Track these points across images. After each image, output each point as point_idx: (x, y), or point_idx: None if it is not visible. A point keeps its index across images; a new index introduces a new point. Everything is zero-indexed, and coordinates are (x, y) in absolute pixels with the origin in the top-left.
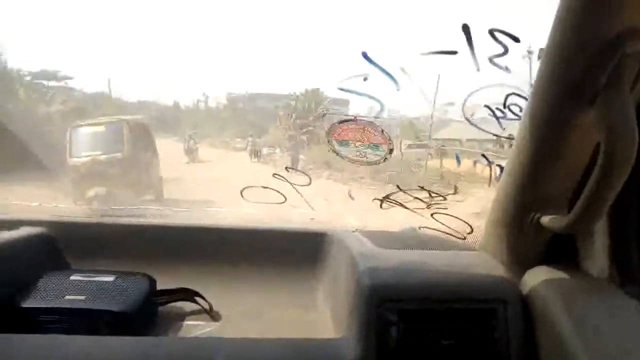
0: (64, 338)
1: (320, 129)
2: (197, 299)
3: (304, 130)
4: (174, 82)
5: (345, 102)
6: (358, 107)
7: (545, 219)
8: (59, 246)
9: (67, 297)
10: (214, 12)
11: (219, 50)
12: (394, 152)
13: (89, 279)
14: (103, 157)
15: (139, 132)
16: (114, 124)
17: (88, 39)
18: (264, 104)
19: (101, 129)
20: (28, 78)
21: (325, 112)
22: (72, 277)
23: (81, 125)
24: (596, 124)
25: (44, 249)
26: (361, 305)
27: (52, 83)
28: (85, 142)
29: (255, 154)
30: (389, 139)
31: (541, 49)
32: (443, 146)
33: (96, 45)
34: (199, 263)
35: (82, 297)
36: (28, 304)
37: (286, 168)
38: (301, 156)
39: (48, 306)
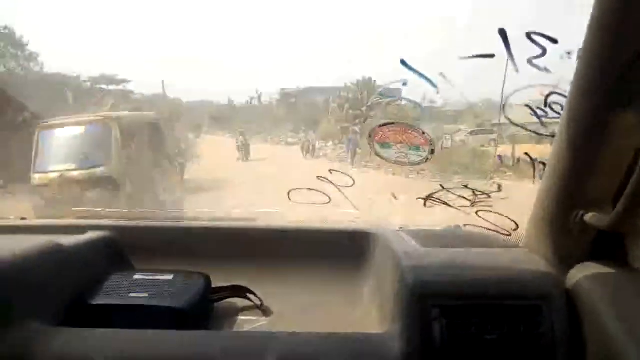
0: (129, 332)
1: (375, 119)
2: (250, 295)
3: (357, 121)
4: (228, 81)
5: (398, 91)
6: (410, 95)
7: (590, 217)
8: (122, 248)
9: (132, 294)
10: (263, 10)
11: (271, 47)
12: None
13: (151, 277)
14: (77, 172)
15: (143, 135)
16: (99, 123)
17: (143, 43)
18: (316, 98)
19: (80, 131)
20: (88, 83)
21: (380, 99)
22: (136, 277)
23: (53, 126)
24: (635, 125)
25: (109, 251)
26: (404, 301)
27: (112, 87)
28: (56, 150)
29: (308, 149)
30: (430, 140)
31: (580, 49)
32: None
33: (151, 48)
34: (251, 262)
35: (145, 295)
36: (97, 301)
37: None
38: (358, 149)
39: (115, 303)
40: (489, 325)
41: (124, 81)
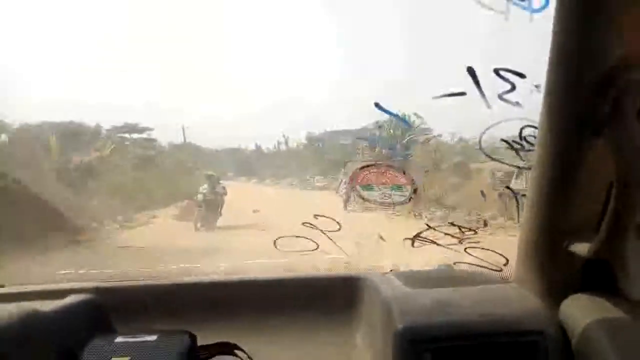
0: None
1: (416, 156)
2: (238, 352)
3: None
4: (255, 127)
5: (428, 130)
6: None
7: (576, 246)
8: (104, 310)
9: (113, 359)
10: (285, 54)
11: (298, 91)
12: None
13: (133, 340)
14: None
15: None
16: None
17: (164, 89)
18: (344, 140)
19: None
20: (109, 132)
21: (414, 136)
22: (117, 340)
23: None
24: (607, 153)
25: (90, 315)
26: (396, 347)
27: (135, 135)
28: None
29: (347, 197)
30: (412, 180)
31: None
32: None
33: (173, 95)
34: (238, 316)
35: (127, 359)
36: None
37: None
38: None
39: None
40: None
41: (146, 129)
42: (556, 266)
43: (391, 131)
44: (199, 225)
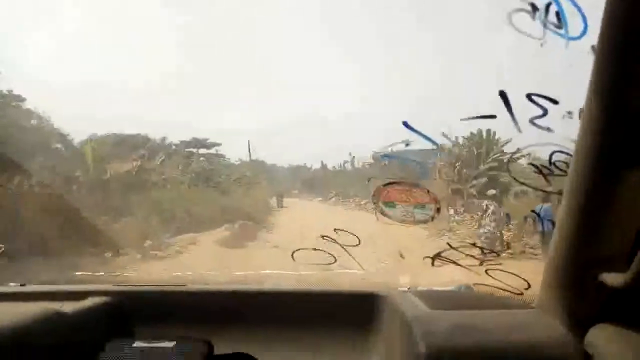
0: None
1: (508, 177)
2: None
3: (474, 182)
4: (322, 146)
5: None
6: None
7: (605, 276)
8: (123, 314)
9: None
10: (353, 74)
11: (365, 110)
12: None
13: (151, 345)
14: None
15: None
16: None
17: (234, 107)
18: (412, 159)
19: None
20: (177, 146)
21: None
22: (135, 345)
23: None
24: None
25: (109, 317)
26: None
27: (202, 150)
28: None
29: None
30: (436, 199)
31: (581, 109)
32: None
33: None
34: (255, 327)
35: None
36: None
37: None
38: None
39: None
40: None
41: (215, 145)
42: (583, 296)
43: (474, 149)
44: None
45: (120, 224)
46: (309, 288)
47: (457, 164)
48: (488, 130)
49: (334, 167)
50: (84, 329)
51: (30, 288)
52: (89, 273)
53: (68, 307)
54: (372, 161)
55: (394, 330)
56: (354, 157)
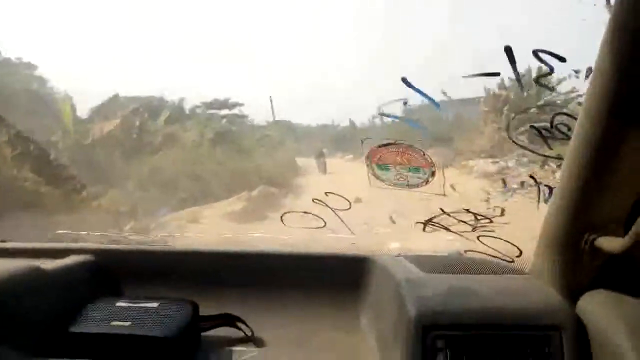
0: None
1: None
2: (240, 324)
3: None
4: (348, 102)
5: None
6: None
7: (601, 241)
8: (105, 273)
9: (113, 323)
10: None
11: (391, 60)
12: None
13: (135, 305)
14: None
15: None
16: None
17: (253, 63)
18: (443, 111)
19: None
20: (200, 109)
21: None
22: (118, 304)
23: None
24: None
25: (92, 276)
26: (406, 331)
27: (225, 111)
28: None
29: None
30: (431, 162)
31: (589, 68)
32: None
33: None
34: (242, 288)
35: (128, 324)
36: (77, 329)
37: None
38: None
39: (95, 332)
40: (497, 357)
41: (236, 104)
42: (578, 261)
43: (525, 92)
44: None
45: (102, 199)
46: (295, 250)
47: (503, 109)
48: (539, 67)
49: (362, 123)
50: (66, 288)
51: (9, 244)
52: (72, 232)
53: (49, 264)
54: (402, 115)
55: (384, 293)
56: (382, 111)
